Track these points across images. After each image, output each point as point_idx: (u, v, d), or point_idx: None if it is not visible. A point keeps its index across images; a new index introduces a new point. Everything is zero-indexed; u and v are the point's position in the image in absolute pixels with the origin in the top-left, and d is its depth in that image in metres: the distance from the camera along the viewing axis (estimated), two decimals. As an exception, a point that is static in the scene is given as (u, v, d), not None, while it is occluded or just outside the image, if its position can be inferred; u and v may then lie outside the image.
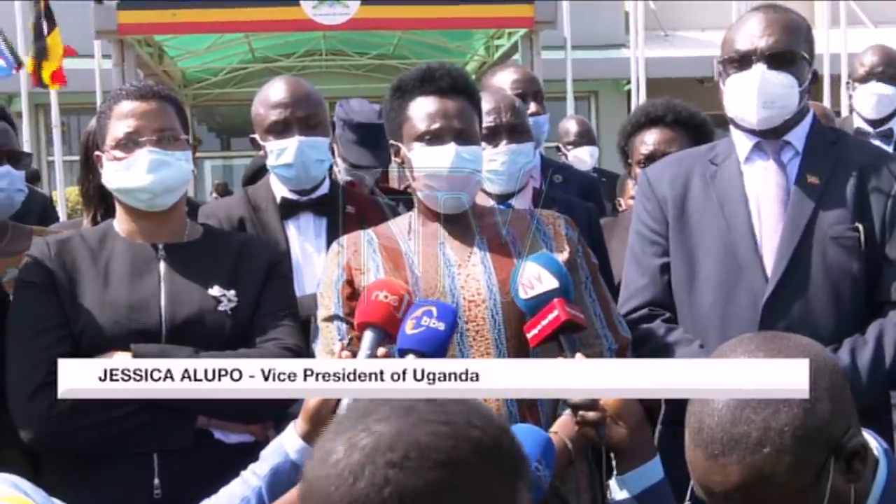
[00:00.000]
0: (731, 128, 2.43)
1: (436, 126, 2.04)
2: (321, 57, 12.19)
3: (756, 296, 2.24)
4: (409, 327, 1.75)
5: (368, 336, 1.77)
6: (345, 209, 2.68)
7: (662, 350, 2.29)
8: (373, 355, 1.74)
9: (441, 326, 1.74)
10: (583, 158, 5.23)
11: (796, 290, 2.23)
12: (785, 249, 2.25)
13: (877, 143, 3.84)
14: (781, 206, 2.29)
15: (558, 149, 5.26)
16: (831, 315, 2.23)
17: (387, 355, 1.74)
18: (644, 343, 2.31)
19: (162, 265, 2.18)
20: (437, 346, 1.73)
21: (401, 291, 1.82)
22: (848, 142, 2.43)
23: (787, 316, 2.22)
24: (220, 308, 2.15)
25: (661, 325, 2.34)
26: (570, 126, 5.45)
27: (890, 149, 3.91)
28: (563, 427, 1.92)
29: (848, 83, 4.25)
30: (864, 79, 4.07)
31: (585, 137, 5.35)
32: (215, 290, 2.16)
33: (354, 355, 1.76)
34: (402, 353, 1.73)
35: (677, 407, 2.31)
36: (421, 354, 1.72)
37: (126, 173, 2.16)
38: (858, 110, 4.10)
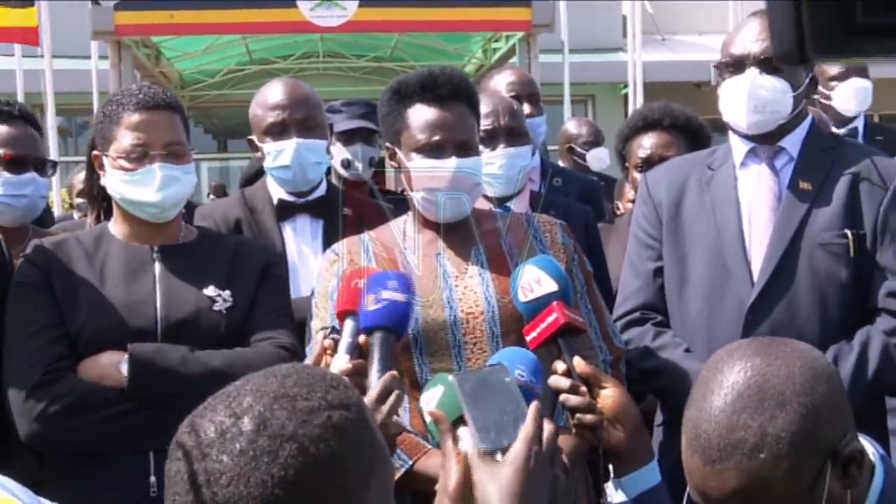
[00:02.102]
0: (730, 132, 2.44)
1: (437, 138, 2.01)
2: (318, 59, 12.17)
3: (741, 301, 2.25)
4: (369, 303, 1.74)
5: (349, 324, 1.78)
6: (342, 212, 2.67)
7: (649, 353, 2.31)
8: (354, 342, 1.75)
9: (401, 298, 1.74)
10: (603, 158, 5.17)
11: (782, 296, 2.24)
12: (772, 255, 2.26)
13: None
14: (772, 211, 2.30)
15: (571, 150, 5.19)
16: (816, 321, 2.23)
17: (367, 343, 1.74)
18: (636, 345, 2.33)
19: (157, 266, 2.18)
20: (399, 319, 1.73)
21: None
22: (846, 147, 2.42)
23: (771, 321, 2.23)
24: (215, 308, 2.15)
25: (650, 328, 2.36)
26: (582, 127, 5.36)
27: None
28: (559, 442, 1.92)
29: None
30: (844, 76, 4.05)
31: (598, 137, 5.29)
32: (210, 291, 2.16)
33: (336, 343, 1.77)
34: (369, 331, 1.73)
35: (673, 410, 2.33)
36: (386, 329, 1.72)
37: (135, 187, 2.16)
38: (842, 108, 4.08)
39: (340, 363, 1.71)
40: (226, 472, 1.00)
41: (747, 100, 2.28)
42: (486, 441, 1.46)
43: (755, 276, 2.27)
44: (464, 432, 1.49)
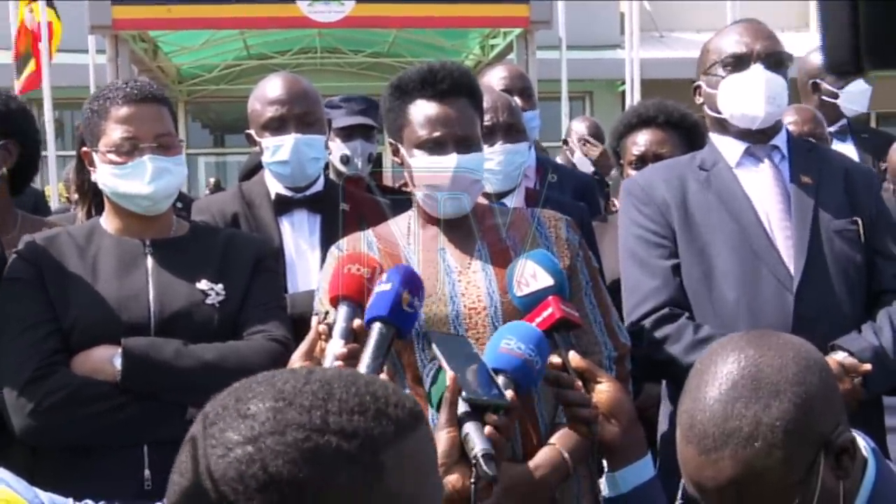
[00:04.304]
0: (714, 136, 2.48)
1: (437, 134, 2.00)
2: (316, 54, 12.20)
3: (782, 285, 2.29)
4: (369, 301, 1.76)
5: (343, 310, 1.77)
6: (341, 207, 2.67)
7: (698, 344, 2.27)
8: (348, 328, 1.74)
9: (387, 287, 1.73)
10: (586, 161, 5.21)
11: (818, 280, 2.30)
12: (800, 241, 2.31)
13: (835, 141, 3.99)
14: (784, 203, 2.36)
15: (565, 142, 5.24)
16: (849, 301, 2.32)
17: (361, 327, 1.73)
18: (676, 340, 2.30)
19: (149, 260, 2.18)
20: (386, 305, 1.72)
21: (373, 264, 1.82)
22: (821, 149, 2.56)
23: (816, 304, 2.28)
24: (208, 301, 2.15)
25: (688, 322, 2.33)
26: (584, 126, 5.41)
27: (849, 145, 4.10)
28: (560, 439, 1.92)
29: (816, 84, 4.18)
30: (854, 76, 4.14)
31: (597, 138, 5.32)
32: (203, 284, 2.16)
33: (331, 328, 1.76)
34: (370, 322, 1.73)
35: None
36: (383, 319, 1.72)
37: (126, 180, 2.16)
38: (848, 107, 4.17)
39: (335, 348, 1.70)
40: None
41: (765, 90, 2.32)
42: (467, 391, 1.49)
43: (787, 261, 2.31)
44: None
